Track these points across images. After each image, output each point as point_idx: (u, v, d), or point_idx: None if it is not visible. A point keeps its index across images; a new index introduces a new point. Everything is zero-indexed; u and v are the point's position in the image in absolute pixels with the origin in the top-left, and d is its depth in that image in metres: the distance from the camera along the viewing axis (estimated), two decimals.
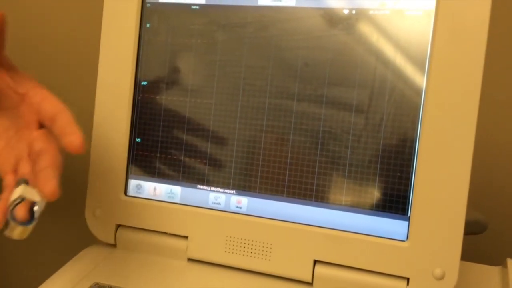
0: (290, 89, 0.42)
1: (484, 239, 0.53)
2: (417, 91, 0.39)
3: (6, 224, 0.35)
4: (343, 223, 0.41)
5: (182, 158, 0.45)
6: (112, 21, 0.46)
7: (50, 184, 0.35)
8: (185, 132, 0.45)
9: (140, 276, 0.43)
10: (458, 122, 0.38)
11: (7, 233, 0.35)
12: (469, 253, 0.42)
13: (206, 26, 0.44)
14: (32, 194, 0.35)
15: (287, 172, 0.43)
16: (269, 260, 0.43)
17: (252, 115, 0.43)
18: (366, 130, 0.41)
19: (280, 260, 0.42)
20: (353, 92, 0.41)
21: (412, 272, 0.39)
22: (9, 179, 0.37)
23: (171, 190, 0.46)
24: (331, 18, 0.41)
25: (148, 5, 0.46)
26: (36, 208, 0.35)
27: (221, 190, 0.44)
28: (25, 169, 0.37)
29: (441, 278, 0.38)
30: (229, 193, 0.44)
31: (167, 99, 0.45)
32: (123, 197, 0.46)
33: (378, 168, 0.40)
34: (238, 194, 0.44)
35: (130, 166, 0.46)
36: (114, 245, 0.47)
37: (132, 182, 0.47)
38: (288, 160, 0.42)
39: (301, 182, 0.42)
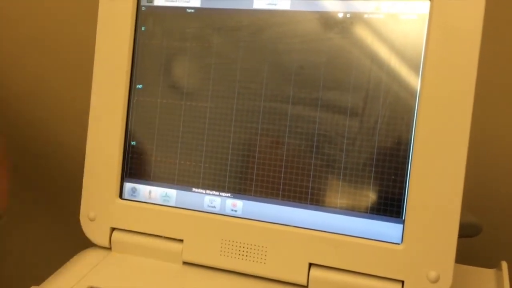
0: (285, 92, 0.42)
1: (478, 241, 0.53)
2: (412, 94, 0.39)
3: None
4: (338, 226, 0.41)
5: (177, 161, 0.45)
6: (107, 24, 0.46)
7: None
8: (180, 135, 0.45)
9: (135, 280, 0.43)
10: (452, 124, 0.38)
11: None
12: (464, 256, 0.42)
13: (201, 29, 0.44)
14: None
15: (282, 175, 0.43)
16: (264, 263, 0.43)
17: (247, 118, 0.43)
18: (361, 133, 0.41)
19: (275, 263, 0.42)
20: (348, 95, 0.41)
21: (406, 275, 0.39)
22: None
23: (166, 193, 0.46)
24: (326, 21, 0.41)
25: (143, 8, 0.46)
26: None
27: (216, 193, 0.44)
28: None
29: (435, 281, 0.38)
30: (224, 196, 0.44)
31: (162, 102, 0.45)
32: (118, 200, 0.46)
33: (373, 171, 0.40)
34: (234, 197, 0.44)
35: (125, 169, 0.46)
36: (109, 249, 0.47)
37: (127, 186, 0.47)
38: (283, 164, 0.43)
39: (296, 185, 0.42)
